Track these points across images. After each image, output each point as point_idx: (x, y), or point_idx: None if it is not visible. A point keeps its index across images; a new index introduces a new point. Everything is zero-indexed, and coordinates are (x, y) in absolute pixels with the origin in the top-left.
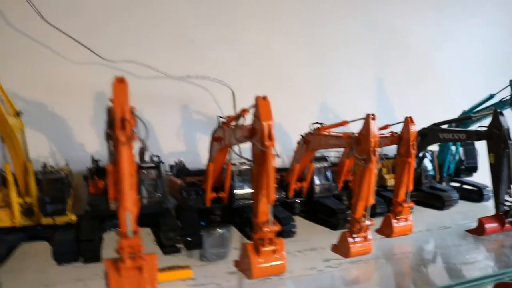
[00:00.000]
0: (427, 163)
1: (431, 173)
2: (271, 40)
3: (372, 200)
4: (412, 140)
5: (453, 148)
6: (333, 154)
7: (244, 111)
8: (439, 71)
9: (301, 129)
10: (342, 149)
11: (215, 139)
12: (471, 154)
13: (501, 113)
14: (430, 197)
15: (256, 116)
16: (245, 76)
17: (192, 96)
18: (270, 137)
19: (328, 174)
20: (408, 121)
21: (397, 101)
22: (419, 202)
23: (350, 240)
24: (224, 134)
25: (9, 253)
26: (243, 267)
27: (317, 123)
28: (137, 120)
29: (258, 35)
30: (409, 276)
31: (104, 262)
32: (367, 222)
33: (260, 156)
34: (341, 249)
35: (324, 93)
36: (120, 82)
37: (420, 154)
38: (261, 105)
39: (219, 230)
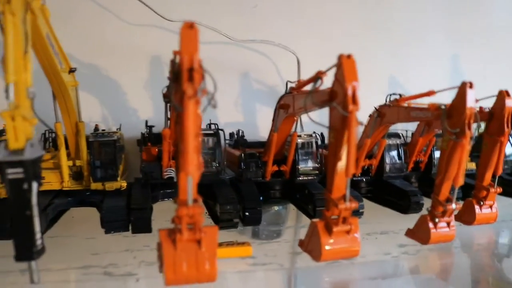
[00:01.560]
0: (509, 147)
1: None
2: (339, 9)
3: (461, 181)
4: (507, 117)
5: None
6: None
7: (321, 73)
8: None
9: (368, 104)
10: (411, 128)
11: (281, 106)
12: None
13: None
14: (510, 185)
15: (339, 77)
16: (310, 46)
17: (253, 63)
18: (355, 101)
19: (401, 152)
20: (503, 94)
21: (474, 80)
22: None
23: (431, 224)
24: (293, 100)
25: (58, 217)
26: (310, 247)
27: (395, 94)
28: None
29: (325, 4)
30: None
31: (159, 233)
32: (453, 206)
33: (341, 122)
34: (419, 234)
35: (393, 68)
36: (189, 27)
37: None
38: (345, 64)
39: (275, 207)
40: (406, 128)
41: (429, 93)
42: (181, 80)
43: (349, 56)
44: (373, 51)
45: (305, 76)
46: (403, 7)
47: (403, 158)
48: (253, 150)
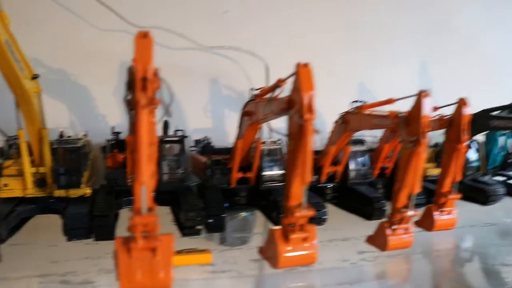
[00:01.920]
0: (472, 153)
1: (476, 164)
2: (308, 16)
3: (417, 188)
4: (465, 124)
5: (501, 139)
6: (369, 139)
7: (281, 81)
8: (490, 55)
9: (336, 110)
10: (378, 134)
11: (245, 113)
12: None
13: None
14: (473, 191)
15: (296, 86)
16: (279, 52)
17: (223, 69)
18: (311, 110)
19: (365, 158)
20: (461, 103)
21: (441, 86)
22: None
23: (389, 231)
24: (256, 108)
25: (21, 224)
26: (269, 254)
27: (358, 101)
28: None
29: (295, 10)
30: (448, 275)
31: (115, 241)
32: (410, 213)
33: (298, 130)
34: (378, 240)
35: (361, 74)
36: (143, 37)
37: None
38: (301, 73)
39: (243, 214)
40: (375, 134)
41: (389, 101)
42: (135, 89)
43: (306, 65)
44: (344, 56)
45: (274, 82)
46: (372, 14)
47: (367, 164)
48: (220, 156)
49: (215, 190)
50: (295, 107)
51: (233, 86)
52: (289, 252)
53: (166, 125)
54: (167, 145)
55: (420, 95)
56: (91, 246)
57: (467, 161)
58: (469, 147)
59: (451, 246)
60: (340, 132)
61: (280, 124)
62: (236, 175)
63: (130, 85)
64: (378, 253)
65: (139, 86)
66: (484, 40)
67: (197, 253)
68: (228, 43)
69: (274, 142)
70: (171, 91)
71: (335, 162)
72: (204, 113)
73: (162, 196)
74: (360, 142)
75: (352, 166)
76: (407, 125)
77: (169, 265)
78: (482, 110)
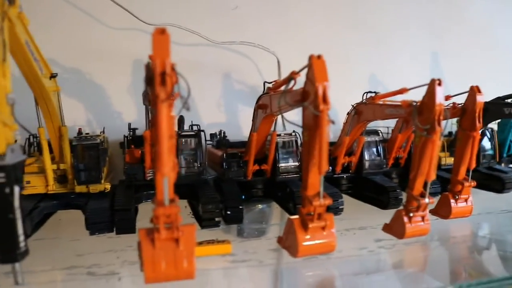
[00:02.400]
0: (486, 141)
1: (490, 152)
2: (318, 9)
3: (433, 175)
4: (478, 112)
5: None
6: (382, 130)
7: (294, 73)
8: (502, 45)
9: (348, 102)
10: (392, 124)
11: (260, 106)
12: None
13: None
14: (488, 179)
15: (310, 77)
16: (290, 46)
17: (235, 64)
18: (325, 100)
19: (380, 149)
20: (474, 90)
21: (453, 77)
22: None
23: (406, 219)
24: (270, 100)
25: (44, 220)
26: (288, 243)
27: (370, 92)
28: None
29: (304, 4)
30: (465, 262)
31: (138, 232)
32: (426, 200)
33: (313, 121)
34: (395, 229)
35: (373, 66)
36: (161, 33)
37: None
38: (315, 65)
39: (259, 206)
40: (388, 125)
41: (402, 91)
42: (154, 84)
43: (319, 57)
44: (354, 49)
45: (286, 76)
46: (383, 6)
47: (382, 154)
48: (235, 150)
49: (231, 183)
50: (310, 98)
51: (245, 80)
52: (308, 241)
53: (181, 120)
54: (184, 140)
55: (433, 83)
56: (113, 240)
57: (482, 149)
58: (483, 135)
59: (467, 233)
60: (353, 123)
61: (293, 116)
62: (252, 167)
63: (149, 81)
64: (395, 241)
65: (158, 81)
66: (496, 30)
67: (217, 244)
68: (239, 38)
69: (289, 134)
70: (188, 86)
71: (349, 153)
72: (218, 107)
73: (179, 189)
74: (375, 132)
75: (366, 156)
76: (420, 113)
77: (192, 254)
78: (496, 98)
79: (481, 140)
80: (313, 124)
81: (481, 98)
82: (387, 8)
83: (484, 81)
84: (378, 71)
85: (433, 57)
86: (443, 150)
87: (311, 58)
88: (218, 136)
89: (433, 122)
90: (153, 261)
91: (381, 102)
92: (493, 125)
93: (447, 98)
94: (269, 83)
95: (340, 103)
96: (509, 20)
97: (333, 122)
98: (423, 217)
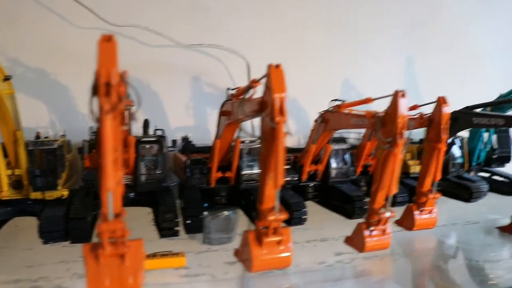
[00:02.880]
0: (456, 150)
1: (460, 161)
2: (291, 11)
3: (394, 189)
4: (444, 124)
5: (485, 135)
6: (353, 136)
7: (254, 82)
8: (477, 51)
9: (320, 107)
10: (363, 130)
11: (223, 113)
12: (505, 142)
13: None
14: (457, 187)
15: (267, 87)
16: (262, 49)
17: (205, 67)
18: (282, 112)
19: (347, 157)
20: (440, 101)
21: (428, 81)
22: (444, 192)
23: (366, 232)
24: (233, 108)
25: None
26: (244, 257)
27: (337, 100)
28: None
29: (277, 7)
30: (428, 276)
31: (82, 247)
32: (387, 214)
33: (270, 133)
34: (356, 242)
35: (347, 70)
36: (107, 40)
37: (449, 140)
38: (273, 74)
39: (225, 213)
40: (360, 131)
41: (367, 101)
42: (98, 94)
43: (277, 66)
44: (328, 53)
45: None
46: (359, 10)
47: (349, 162)
48: (200, 156)
49: (194, 190)
50: (267, 109)
51: (215, 83)
52: (263, 256)
53: (146, 124)
54: (145, 146)
55: (396, 95)
56: (68, 249)
57: (451, 158)
58: (453, 143)
59: (431, 245)
60: (320, 131)
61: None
62: (215, 174)
63: (95, 91)
64: (355, 255)
65: (102, 92)
66: (471, 34)
67: (171, 257)
68: (210, 40)
69: (254, 141)
70: (139, 96)
71: (316, 161)
72: (186, 111)
73: (141, 197)
74: (342, 140)
75: (333, 164)
76: (383, 125)
77: (138, 271)
78: (465, 107)
79: (449, 149)
80: (269, 136)
81: (447, 110)
82: (362, 13)
83: (459, 84)
84: (353, 75)
85: (408, 60)
86: (412, 158)
87: (269, 67)
88: (183, 141)
89: (395, 135)
90: (97, 278)
91: (347, 111)
92: (465, 133)
93: (415, 107)
94: (232, 89)
95: (313, 108)
96: (485, 26)
97: (290, 134)
98: (384, 231)
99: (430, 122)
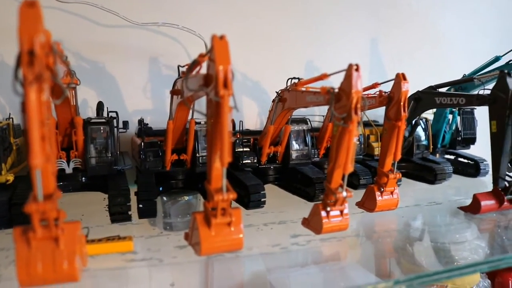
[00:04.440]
0: (420, 131)
1: (424, 143)
2: None
3: (350, 168)
4: (403, 101)
5: (449, 116)
6: (318, 118)
7: (201, 56)
8: (442, 33)
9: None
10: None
11: (175, 92)
12: (469, 124)
13: (509, 75)
14: (421, 169)
15: (211, 60)
16: (222, 29)
17: (163, 48)
18: (227, 85)
19: (308, 138)
20: (400, 78)
21: (392, 63)
22: (409, 174)
23: (323, 214)
24: (182, 85)
25: None
26: (193, 241)
27: (294, 78)
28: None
29: None
30: (387, 257)
31: (13, 231)
32: (344, 194)
33: (215, 109)
34: (313, 224)
35: (311, 52)
36: (29, 6)
37: (413, 121)
38: (216, 46)
39: (185, 198)
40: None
41: (322, 76)
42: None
43: (222, 37)
44: (290, 35)
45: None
46: None
47: (310, 144)
48: (157, 138)
49: (148, 174)
50: (212, 83)
51: (174, 65)
52: (212, 238)
53: (100, 106)
54: (94, 127)
55: (350, 69)
56: (11, 236)
57: (417, 139)
58: (417, 124)
59: (393, 227)
60: (278, 111)
61: None
62: (170, 157)
63: (18, 60)
64: (312, 237)
65: (25, 61)
66: (436, 16)
67: (117, 241)
68: (167, 20)
69: None
70: (69, 67)
71: (276, 143)
72: (144, 93)
73: (92, 181)
74: (303, 121)
75: (293, 146)
76: (338, 100)
77: (73, 255)
78: (428, 87)
79: (414, 130)
80: (215, 112)
81: (406, 86)
82: None
83: (425, 68)
84: (316, 57)
85: (372, 41)
86: (377, 140)
87: (213, 38)
88: (139, 124)
89: (350, 111)
90: (28, 263)
91: (303, 89)
92: (430, 115)
93: (375, 85)
94: (182, 66)
95: (278, 89)
96: (451, 7)
97: (236, 109)
98: (342, 211)
99: (390, 99)
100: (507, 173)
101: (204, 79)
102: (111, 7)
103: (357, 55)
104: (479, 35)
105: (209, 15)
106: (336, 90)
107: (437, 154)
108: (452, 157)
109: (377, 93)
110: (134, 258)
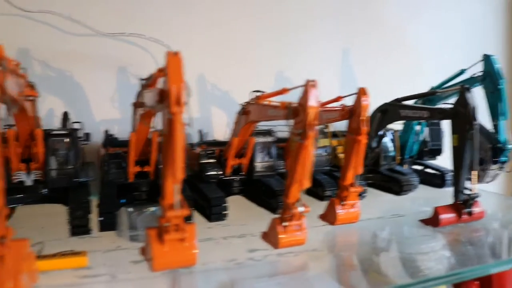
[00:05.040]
0: (388, 142)
1: (391, 154)
2: (228, 3)
3: (307, 183)
4: (363, 115)
5: (417, 127)
6: (287, 128)
7: (160, 71)
8: (413, 44)
9: None
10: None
11: (137, 104)
12: (437, 135)
13: (468, 90)
14: (388, 180)
15: (165, 77)
16: (193, 38)
17: (131, 58)
18: (179, 103)
19: (273, 150)
20: (360, 92)
21: (364, 75)
22: (376, 185)
23: (280, 228)
24: (141, 98)
25: None
26: (147, 256)
27: (258, 91)
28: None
29: None
30: (341, 272)
31: None
32: (301, 209)
33: (168, 125)
34: (270, 238)
35: (282, 63)
36: None
37: (380, 133)
38: (170, 63)
39: (151, 209)
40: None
41: (283, 91)
42: None
43: (176, 53)
44: (260, 46)
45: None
46: (297, 3)
47: (275, 156)
48: (122, 149)
49: (110, 186)
50: (165, 100)
51: (143, 75)
52: (165, 254)
53: (65, 117)
54: (54, 139)
55: (307, 85)
56: None
57: (384, 150)
58: (383, 136)
59: (354, 240)
60: (242, 123)
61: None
62: (133, 169)
63: None
64: (269, 251)
65: None
66: (406, 28)
67: (71, 256)
68: (135, 30)
69: None
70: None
71: (241, 155)
72: (112, 103)
73: (53, 193)
74: (268, 133)
75: (258, 158)
76: (295, 115)
77: (19, 274)
78: (395, 99)
79: (381, 141)
80: (168, 128)
81: (366, 101)
82: (294, 4)
83: (394, 79)
84: (286, 68)
85: (343, 52)
86: (344, 151)
87: (167, 54)
88: (105, 135)
89: (305, 127)
90: None
91: (265, 102)
92: (399, 125)
93: (339, 99)
94: (143, 79)
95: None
96: (421, 19)
97: (189, 125)
98: (300, 226)
99: (351, 113)
100: (466, 186)
101: (159, 94)
102: (80, 16)
103: (328, 65)
104: (450, 47)
105: (179, 25)
106: (294, 105)
107: (405, 165)
108: (420, 167)
109: (340, 106)
110: (87, 274)
